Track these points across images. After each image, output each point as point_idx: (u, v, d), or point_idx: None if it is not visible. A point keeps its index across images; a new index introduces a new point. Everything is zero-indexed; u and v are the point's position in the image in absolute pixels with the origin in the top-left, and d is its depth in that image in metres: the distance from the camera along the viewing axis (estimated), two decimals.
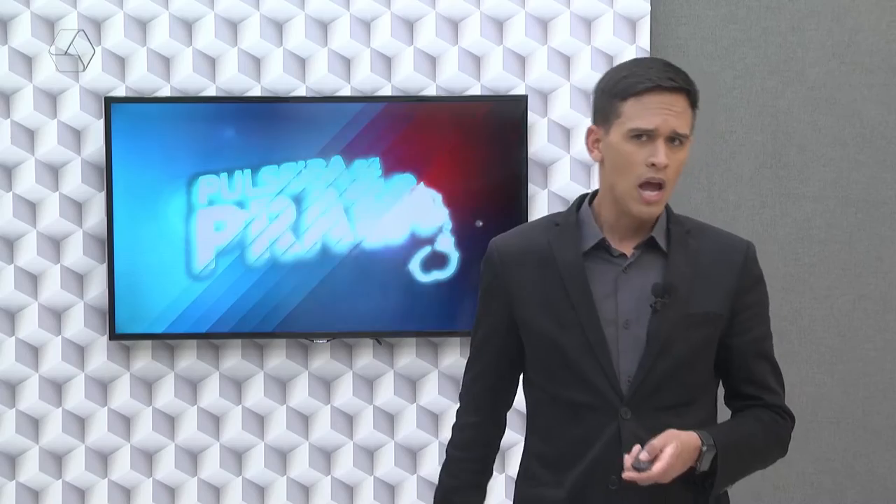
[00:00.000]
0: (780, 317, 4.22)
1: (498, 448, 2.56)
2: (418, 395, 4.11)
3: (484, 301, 2.47)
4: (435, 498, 2.54)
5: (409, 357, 4.10)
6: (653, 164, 2.27)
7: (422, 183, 4.01)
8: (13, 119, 4.04)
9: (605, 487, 2.33)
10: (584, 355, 2.33)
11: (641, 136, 2.28)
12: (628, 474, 2.22)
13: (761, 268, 2.43)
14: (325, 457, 4.12)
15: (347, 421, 4.12)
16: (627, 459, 2.23)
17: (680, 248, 2.36)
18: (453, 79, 4.07)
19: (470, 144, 4.01)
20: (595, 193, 2.43)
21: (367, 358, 4.11)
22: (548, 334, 2.37)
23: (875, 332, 4.20)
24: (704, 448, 2.27)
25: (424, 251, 4.02)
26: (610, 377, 2.32)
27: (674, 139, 2.29)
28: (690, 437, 2.26)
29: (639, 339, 2.32)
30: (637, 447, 2.23)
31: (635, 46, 4.08)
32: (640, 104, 2.27)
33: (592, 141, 2.37)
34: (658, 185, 2.29)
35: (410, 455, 4.12)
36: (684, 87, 2.29)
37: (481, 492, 2.52)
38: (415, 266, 4.02)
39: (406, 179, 4.01)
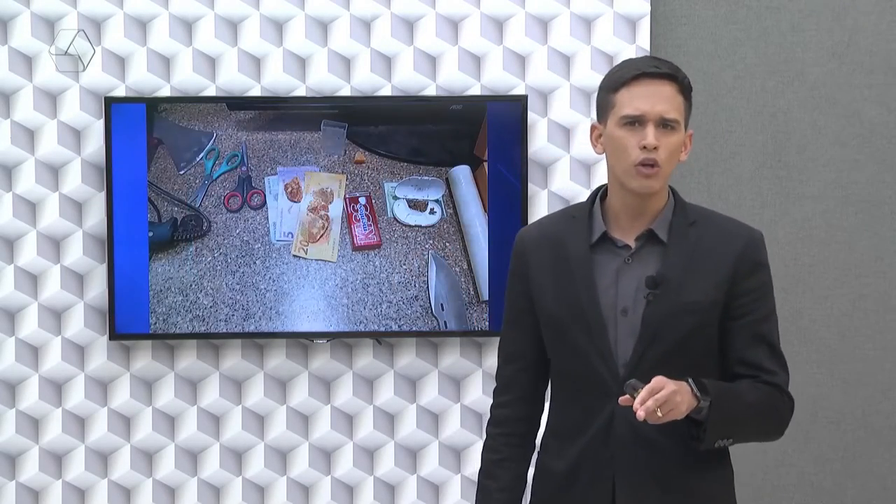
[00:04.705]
0: (781, 317, 4.18)
1: (538, 425, 2.64)
2: (418, 395, 4.11)
3: (511, 285, 2.62)
4: (479, 476, 2.63)
5: (409, 357, 4.10)
6: (644, 147, 2.40)
7: (421, 182, 4.01)
8: (13, 119, 4.04)
9: (600, 461, 2.46)
10: (586, 339, 2.47)
11: (633, 122, 2.42)
12: (624, 398, 2.34)
13: (767, 255, 2.52)
14: (325, 457, 4.12)
15: (347, 421, 4.12)
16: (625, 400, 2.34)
17: (679, 239, 2.47)
18: (453, 79, 4.07)
19: (470, 144, 4.01)
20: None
21: (367, 358, 4.11)
22: (556, 317, 2.51)
23: (875, 332, 4.20)
24: (693, 386, 2.35)
25: (424, 250, 4.02)
26: (608, 360, 2.46)
27: (664, 124, 2.42)
28: (680, 383, 2.34)
29: (635, 326, 2.45)
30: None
31: (635, 46, 4.07)
32: (629, 93, 2.42)
33: (595, 136, 2.52)
34: (653, 164, 2.42)
35: (410, 455, 4.12)
36: (669, 74, 2.43)
37: (524, 463, 2.62)
38: (414, 266, 4.02)
39: (406, 179, 4.02)
